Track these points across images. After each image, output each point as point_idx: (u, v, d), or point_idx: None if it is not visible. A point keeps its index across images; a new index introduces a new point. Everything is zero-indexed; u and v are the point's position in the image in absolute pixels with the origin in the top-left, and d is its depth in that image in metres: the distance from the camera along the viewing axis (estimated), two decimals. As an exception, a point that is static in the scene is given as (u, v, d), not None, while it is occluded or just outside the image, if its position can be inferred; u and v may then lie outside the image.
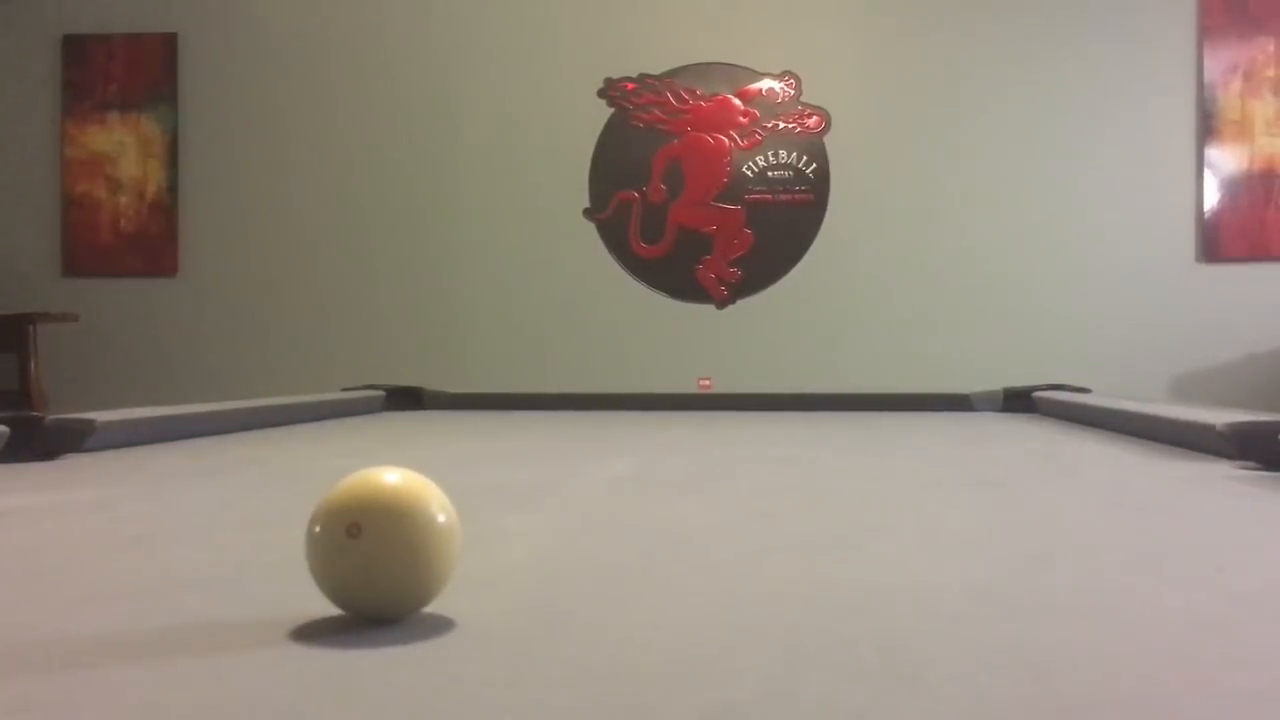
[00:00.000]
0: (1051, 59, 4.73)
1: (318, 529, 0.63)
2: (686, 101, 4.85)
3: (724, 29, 4.86)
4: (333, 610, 0.64)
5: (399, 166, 4.94)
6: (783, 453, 1.90)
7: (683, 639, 0.62)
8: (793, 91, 4.82)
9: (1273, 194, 4.65)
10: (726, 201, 4.84)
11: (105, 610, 0.69)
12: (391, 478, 0.64)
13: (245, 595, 0.74)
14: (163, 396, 4.17)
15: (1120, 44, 4.70)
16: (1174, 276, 4.69)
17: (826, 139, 4.81)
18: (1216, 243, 4.67)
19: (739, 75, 4.84)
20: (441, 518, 0.64)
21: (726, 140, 4.84)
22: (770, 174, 4.83)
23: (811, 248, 4.82)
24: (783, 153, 4.83)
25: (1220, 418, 1.60)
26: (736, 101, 4.84)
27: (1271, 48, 4.66)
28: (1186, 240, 4.70)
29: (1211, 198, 4.67)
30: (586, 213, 4.89)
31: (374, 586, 0.62)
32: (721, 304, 4.85)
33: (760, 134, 4.83)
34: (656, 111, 4.85)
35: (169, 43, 4.99)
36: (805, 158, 4.82)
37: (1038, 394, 2.91)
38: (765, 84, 4.83)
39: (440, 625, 0.63)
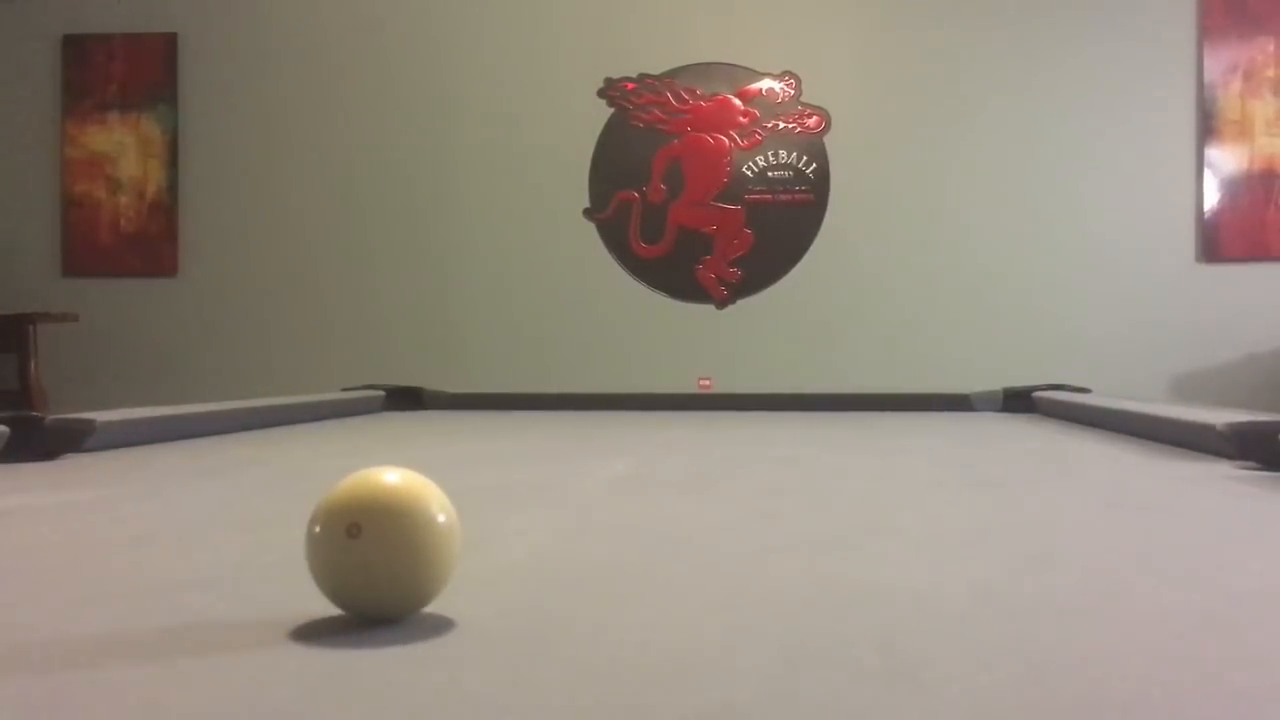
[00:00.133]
0: (1051, 59, 4.73)
1: (318, 529, 0.63)
2: (686, 101, 4.85)
3: (724, 29, 4.86)
4: (333, 610, 0.64)
5: (399, 166, 4.94)
6: (783, 453, 1.90)
7: (683, 639, 0.62)
8: (793, 91, 4.82)
9: (1273, 194, 4.65)
10: (726, 201, 4.84)
11: (105, 610, 0.69)
12: (391, 478, 0.64)
13: (245, 595, 0.74)
14: (163, 396, 4.17)
15: (1120, 44, 4.70)
16: (1174, 276, 4.69)
17: (826, 139, 4.81)
18: (1216, 243, 4.67)
19: (739, 75, 4.84)
20: (441, 518, 0.64)
21: (726, 140, 4.84)
22: (770, 174, 4.83)
23: (811, 248, 4.82)
24: (783, 153, 4.83)
25: (1220, 418, 1.60)
26: (736, 101, 4.84)
27: (1271, 48, 4.66)
28: (1186, 240, 4.70)
29: (1211, 198, 4.67)
30: (586, 213, 4.89)
31: (374, 586, 0.62)
32: (721, 304, 4.85)
33: (760, 134, 4.83)
34: (656, 111, 4.85)
35: (169, 43, 4.99)
36: (805, 158, 4.82)
37: (1038, 394, 2.91)
38: (765, 84, 4.84)
39: (440, 625, 0.63)
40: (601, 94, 4.88)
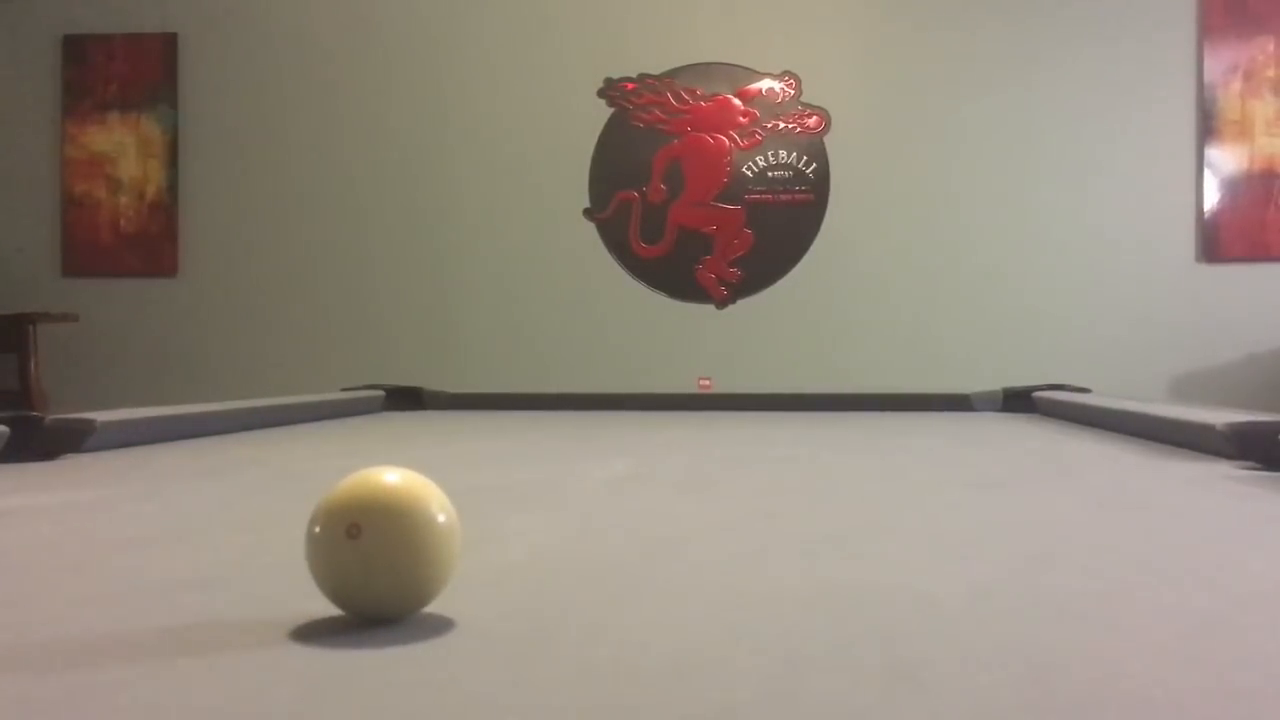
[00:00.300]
0: (1051, 59, 4.73)
1: (318, 529, 0.63)
2: (686, 101, 4.85)
3: (724, 29, 4.86)
4: (333, 610, 0.64)
5: (399, 166, 4.94)
6: (783, 453, 1.90)
7: (682, 639, 0.62)
8: (793, 91, 4.82)
9: (1273, 194, 4.65)
10: (726, 201, 4.84)
11: (105, 610, 0.69)
12: (391, 478, 0.64)
13: (245, 595, 0.74)
14: (163, 396, 4.17)
15: (1120, 44, 4.70)
16: (1174, 276, 4.69)
17: (826, 139, 4.81)
18: (1216, 243, 4.67)
19: (739, 75, 4.84)
20: (441, 518, 0.64)
21: (726, 140, 4.84)
22: (770, 174, 4.83)
23: (811, 248, 4.82)
24: (783, 153, 4.83)
25: (1220, 418, 1.60)
26: (736, 101, 4.84)
27: (1271, 48, 4.66)
28: (1186, 240, 4.70)
29: (1211, 198, 4.67)
30: (586, 213, 4.89)
31: (374, 586, 0.62)
32: (721, 304, 4.86)
33: (760, 134, 4.83)
34: (656, 111, 4.85)
35: (169, 43, 4.99)
36: (805, 158, 4.82)
37: (1038, 394, 2.91)
38: (765, 84, 4.84)
39: (440, 625, 0.63)
40: (601, 94, 4.88)
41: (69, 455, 1.64)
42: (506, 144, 4.91)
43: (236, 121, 4.99)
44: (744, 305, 4.84)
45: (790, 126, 4.82)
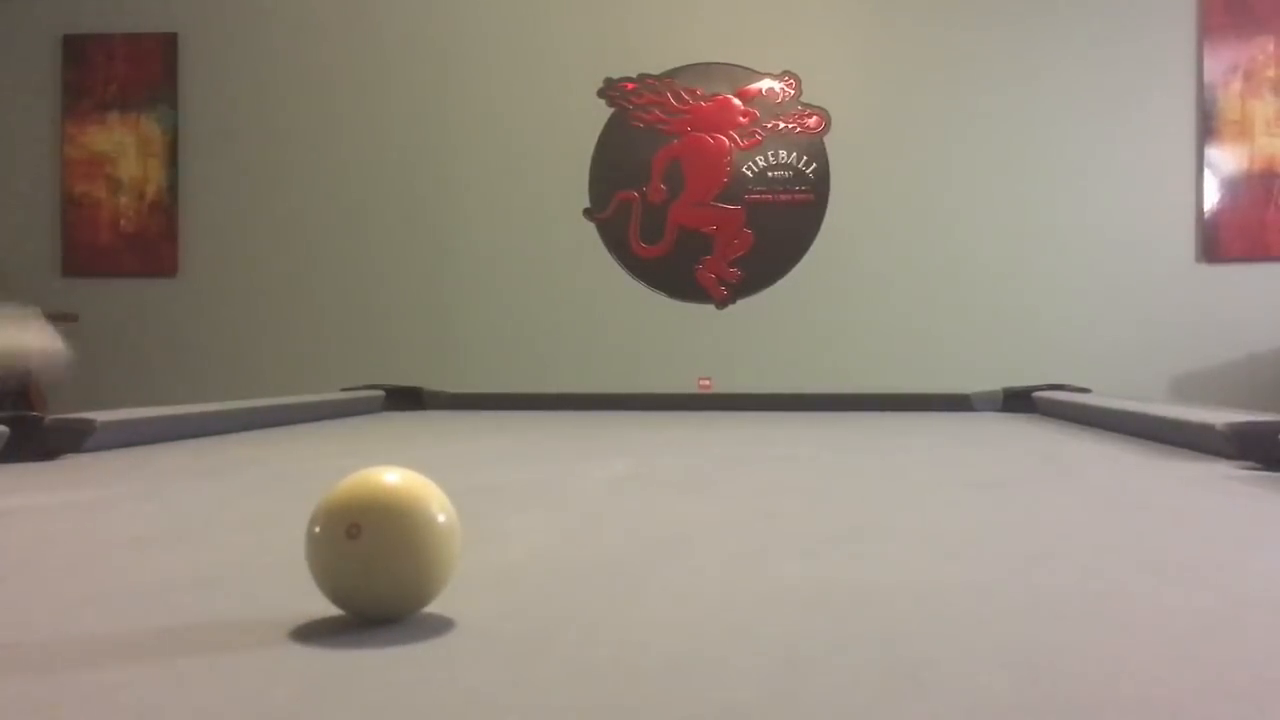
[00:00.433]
0: (1052, 59, 4.73)
1: (318, 529, 0.63)
2: (686, 101, 4.85)
3: (724, 29, 4.86)
4: (333, 610, 0.64)
5: (399, 166, 4.94)
6: (783, 453, 1.90)
7: (683, 639, 0.62)
8: (793, 91, 4.82)
9: (1273, 194, 4.65)
10: (726, 201, 4.84)
11: (105, 610, 0.69)
12: (391, 478, 0.64)
13: (245, 595, 0.74)
14: (163, 396, 4.17)
15: (1120, 44, 4.70)
16: (1174, 276, 4.69)
17: (826, 139, 4.82)
18: (1216, 243, 4.67)
19: (739, 75, 4.84)
20: (441, 518, 0.64)
21: (726, 140, 4.84)
22: (770, 174, 4.83)
23: (811, 248, 4.82)
24: (783, 153, 4.83)
25: (1220, 418, 1.60)
26: (736, 101, 4.84)
27: (1271, 48, 4.66)
28: (1186, 240, 4.70)
29: (1211, 198, 4.67)
30: (586, 213, 4.89)
31: (374, 586, 0.62)
32: (721, 304, 4.86)
33: (760, 134, 4.83)
34: (656, 111, 4.85)
35: (169, 43, 4.99)
36: (805, 158, 4.82)
37: (1038, 394, 2.91)
38: (765, 84, 4.84)
39: (440, 625, 0.63)
40: (601, 94, 4.88)
41: (69, 455, 1.64)
42: (506, 144, 4.91)
43: (236, 121, 4.99)
44: (744, 305, 4.84)
45: (790, 126, 4.82)
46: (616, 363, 4.78)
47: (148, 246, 5.00)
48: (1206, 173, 4.67)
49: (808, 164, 4.82)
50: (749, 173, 4.84)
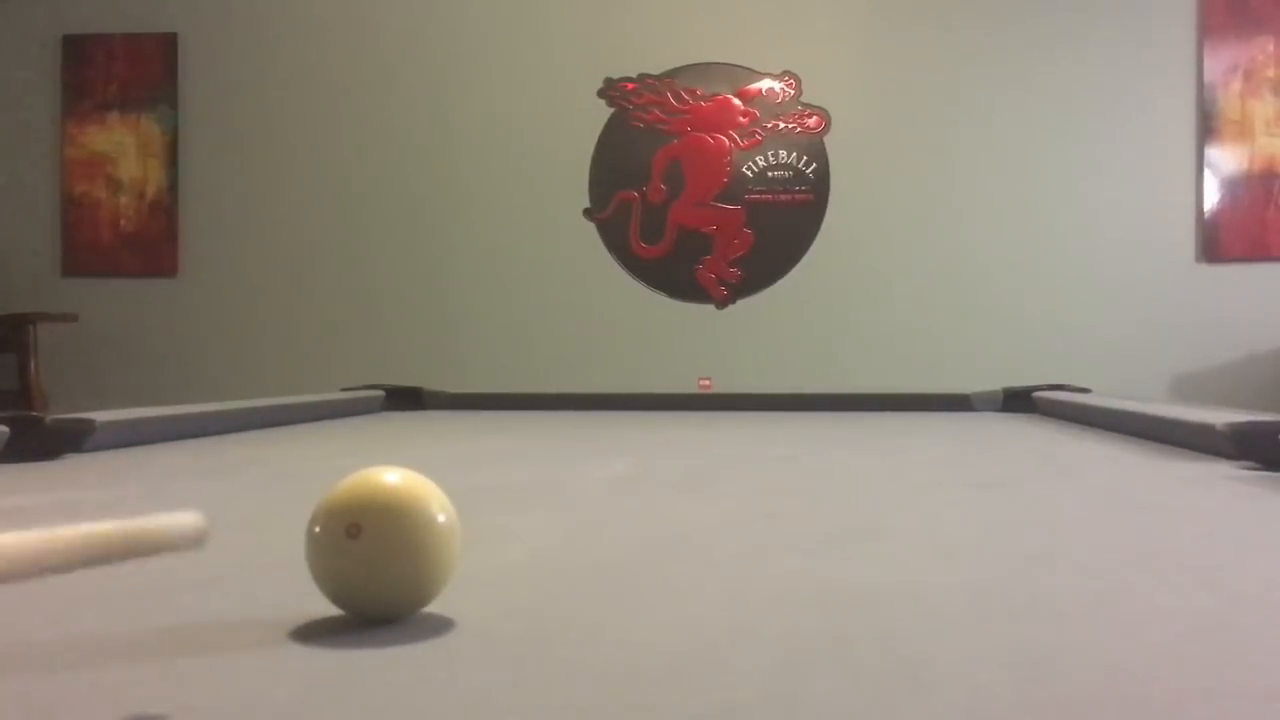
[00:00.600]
0: (1052, 59, 4.73)
1: (318, 529, 0.63)
2: (686, 101, 4.85)
3: (724, 29, 4.86)
4: (333, 610, 0.64)
5: (399, 166, 4.94)
6: (783, 453, 1.90)
7: (683, 639, 0.62)
8: (793, 91, 4.82)
9: (1273, 194, 4.65)
10: (726, 201, 4.84)
11: (105, 610, 0.69)
12: (391, 478, 0.64)
13: (245, 595, 0.74)
14: (163, 396, 4.17)
15: (1120, 44, 4.70)
16: (1174, 276, 4.69)
17: (826, 139, 4.81)
18: (1216, 243, 4.67)
19: (739, 75, 4.84)
20: (441, 518, 0.64)
21: (726, 140, 4.84)
22: (770, 174, 4.83)
23: (811, 248, 4.82)
24: (783, 153, 4.83)
25: (1220, 418, 1.60)
26: (736, 101, 4.84)
27: (1271, 48, 4.65)
28: (1186, 240, 4.70)
29: (1211, 198, 4.67)
30: (586, 213, 4.89)
31: (374, 586, 0.62)
32: (721, 304, 4.85)
33: (760, 134, 4.83)
34: (656, 111, 4.85)
35: (169, 43, 4.99)
36: (805, 158, 4.82)
37: (1038, 394, 2.91)
38: (765, 84, 4.84)
39: (440, 625, 0.63)
40: (601, 94, 4.88)
41: (69, 455, 1.64)
42: (506, 144, 4.91)
43: (236, 121, 4.99)
44: (744, 305, 4.84)
45: (790, 126, 4.82)
46: (616, 363, 4.78)
47: (148, 246, 5.00)
48: (1206, 173, 4.67)
49: (808, 164, 4.82)
50: (749, 173, 4.84)
